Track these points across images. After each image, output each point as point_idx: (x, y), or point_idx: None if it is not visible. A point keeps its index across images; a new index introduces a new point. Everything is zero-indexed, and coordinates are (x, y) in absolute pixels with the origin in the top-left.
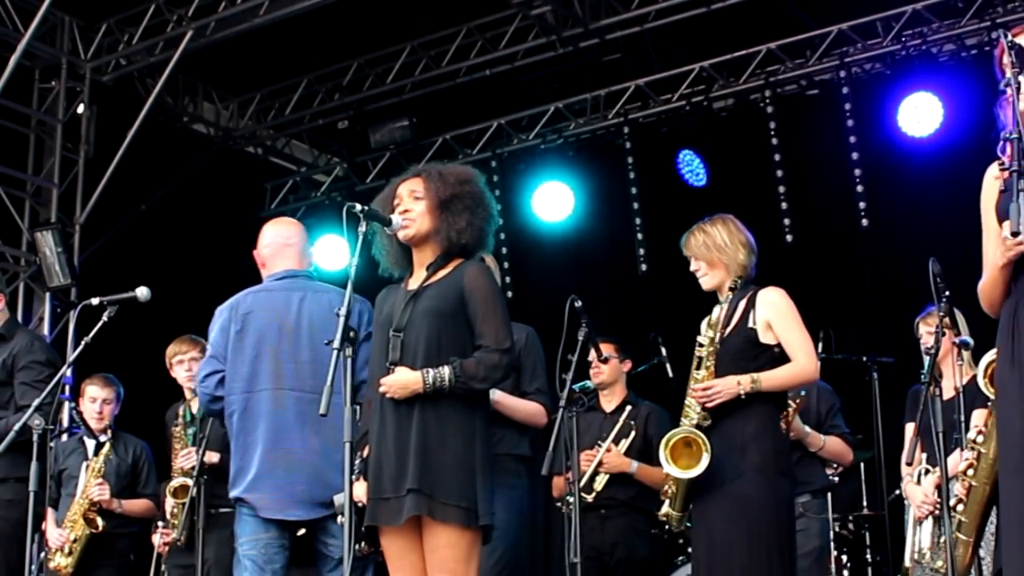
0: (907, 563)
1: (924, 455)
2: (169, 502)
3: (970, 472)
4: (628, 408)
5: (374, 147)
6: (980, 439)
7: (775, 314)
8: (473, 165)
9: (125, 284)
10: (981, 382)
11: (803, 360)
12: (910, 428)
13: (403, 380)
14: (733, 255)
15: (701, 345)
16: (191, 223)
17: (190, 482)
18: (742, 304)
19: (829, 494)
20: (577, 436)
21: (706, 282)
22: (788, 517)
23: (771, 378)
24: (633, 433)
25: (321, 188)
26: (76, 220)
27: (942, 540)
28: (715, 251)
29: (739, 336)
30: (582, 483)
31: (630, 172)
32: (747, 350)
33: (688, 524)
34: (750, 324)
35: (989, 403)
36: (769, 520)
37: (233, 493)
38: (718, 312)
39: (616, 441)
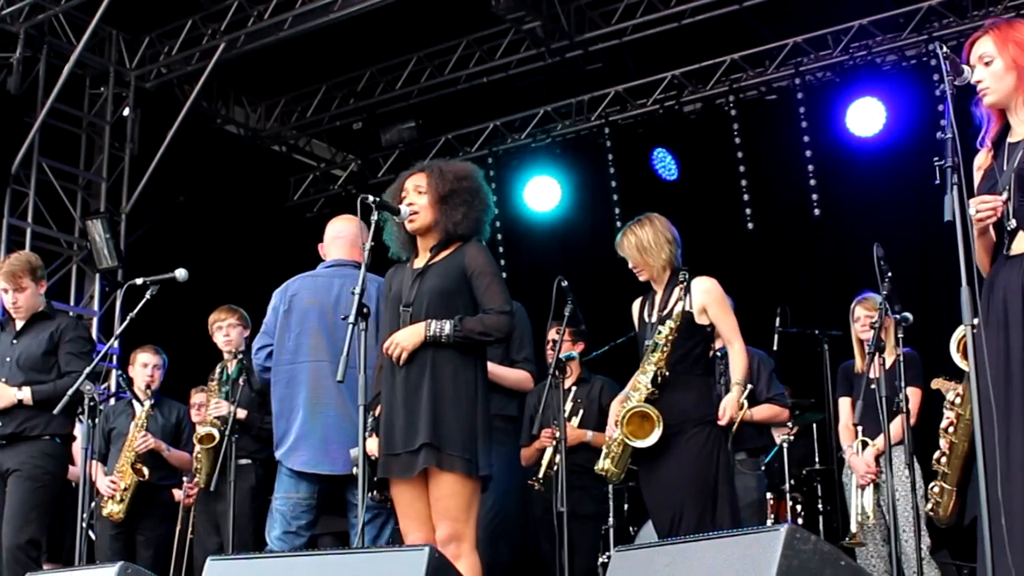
0: (853, 528)
1: (860, 428)
2: (196, 449)
3: (951, 430)
4: (575, 388)
5: (385, 146)
6: (958, 400)
7: (710, 300)
8: (472, 162)
9: (166, 266)
10: (954, 352)
11: (739, 345)
12: (844, 403)
13: (407, 332)
14: (657, 254)
15: (660, 333)
16: (224, 212)
17: (215, 432)
18: (677, 290)
19: (785, 451)
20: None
21: (641, 276)
22: (727, 470)
23: (739, 375)
24: (582, 411)
25: (338, 182)
26: (122, 210)
27: (931, 488)
28: (642, 252)
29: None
30: (546, 459)
31: (610, 168)
32: (685, 330)
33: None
34: (687, 308)
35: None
36: (713, 474)
37: (277, 455)
38: (659, 300)
39: (569, 417)
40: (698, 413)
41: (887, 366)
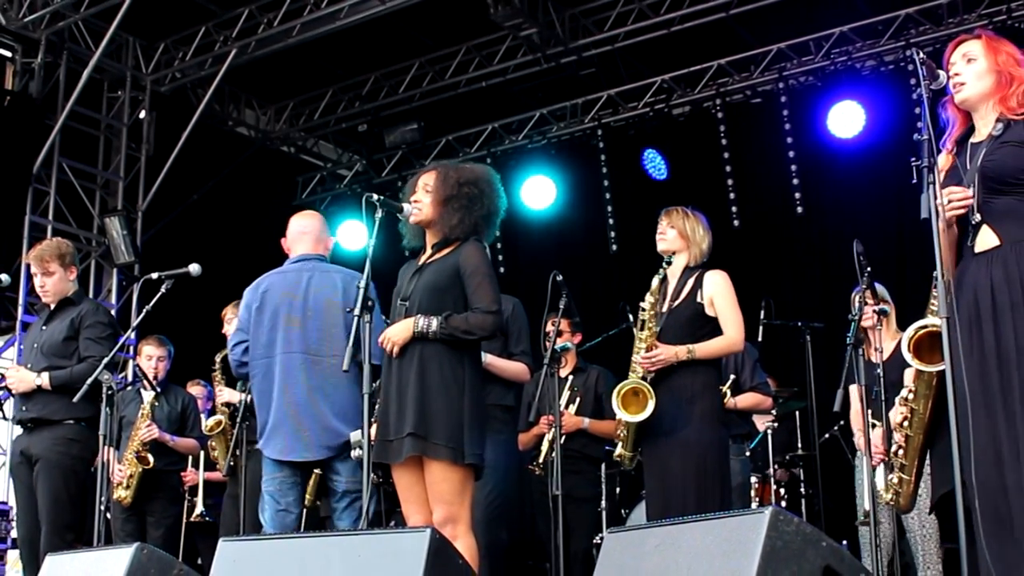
0: (867, 506)
1: (870, 411)
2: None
3: (905, 424)
4: (572, 377)
5: (388, 147)
6: (911, 396)
7: (718, 292)
8: (471, 162)
9: (180, 261)
10: (905, 351)
11: (732, 334)
12: (853, 390)
13: (398, 327)
14: (693, 244)
15: (643, 310)
16: (235, 210)
17: (223, 418)
18: (690, 282)
19: (770, 437)
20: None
21: (663, 244)
22: (724, 457)
23: (705, 348)
24: (579, 399)
25: (344, 181)
26: (139, 208)
27: (890, 479)
28: (684, 232)
29: (688, 309)
30: (545, 445)
31: (603, 168)
32: (695, 321)
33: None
34: (698, 299)
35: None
36: (713, 459)
37: (259, 444)
38: (656, 282)
39: (567, 405)
40: (702, 401)
41: (889, 352)
